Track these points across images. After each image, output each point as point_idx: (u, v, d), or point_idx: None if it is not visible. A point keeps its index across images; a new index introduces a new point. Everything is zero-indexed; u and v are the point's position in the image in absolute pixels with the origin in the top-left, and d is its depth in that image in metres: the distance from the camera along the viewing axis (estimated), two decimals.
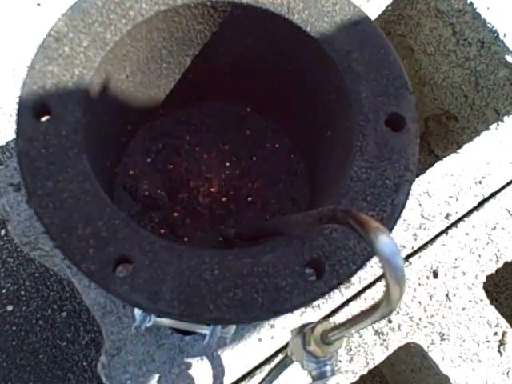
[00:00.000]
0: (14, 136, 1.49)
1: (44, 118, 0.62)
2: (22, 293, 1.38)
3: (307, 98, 0.76)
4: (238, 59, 0.81)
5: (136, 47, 0.71)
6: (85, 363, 1.33)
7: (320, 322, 0.61)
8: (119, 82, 0.73)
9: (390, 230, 0.59)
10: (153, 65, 0.77)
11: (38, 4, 1.62)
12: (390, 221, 0.58)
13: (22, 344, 1.34)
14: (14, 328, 1.35)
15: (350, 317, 0.84)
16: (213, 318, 0.55)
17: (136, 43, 0.70)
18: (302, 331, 0.63)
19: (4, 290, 1.38)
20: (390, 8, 1.12)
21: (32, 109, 0.61)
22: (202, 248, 0.59)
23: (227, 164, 0.90)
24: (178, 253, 0.57)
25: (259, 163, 0.91)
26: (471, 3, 0.99)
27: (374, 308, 0.45)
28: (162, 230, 0.85)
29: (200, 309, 0.55)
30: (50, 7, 1.60)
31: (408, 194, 0.59)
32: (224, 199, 0.88)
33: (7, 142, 1.49)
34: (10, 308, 1.36)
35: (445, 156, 1.26)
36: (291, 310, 0.57)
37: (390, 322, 0.85)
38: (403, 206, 0.59)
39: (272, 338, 0.85)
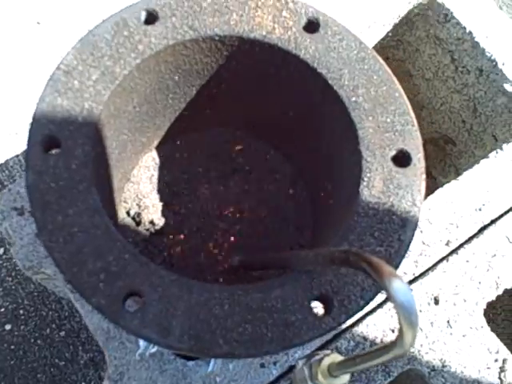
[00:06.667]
0: (14, 154, 1.48)
1: (53, 152, 0.63)
2: (21, 312, 1.37)
3: (314, 131, 0.77)
4: (244, 91, 0.82)
5: (144, 79, 0.71)
6: (83, 383, 1.33)
7: (327, 354, 0.61)
8: (126, 113, 0.74)
9: (397, 265, 0.60)
10: (159, 95, 0.78)
11: (38, 23, 1.63)
12: (397, 257, 0.59)
13: (20, 363, 1.33)
14: (13, 347, 1.34)
15: (353, 344, 0.86)
16: (223, 353, 0.56)
17: (144, 76, 0.71)
18: (309, 362, 0.63)
19: (2, 309, 1.37)
20: (389, 34, 1.13)
21: (41, 142, 0.62)
22: (212, 282, 0.59)
23: (231, 191, 0.91)
24: (187, 287, 0.58)
25: (263, 191, 0.92)
26: (470, 32, 1.00)
27: (386, 349, 0.46)
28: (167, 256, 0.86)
29: (210, 344, 0.56)
30: (50, 26, 1.61)
31: (414, 230, 0.60)
32: (230, 227, 0.89)
33: (6, 160, 1.49)
34: (8, 327, 1.36)
35: (443, 180, 1.28)
36: (300, 345, 0.58)
37: None
38: (410, 242, 0.60)
39: (275, 363, 0.85)
